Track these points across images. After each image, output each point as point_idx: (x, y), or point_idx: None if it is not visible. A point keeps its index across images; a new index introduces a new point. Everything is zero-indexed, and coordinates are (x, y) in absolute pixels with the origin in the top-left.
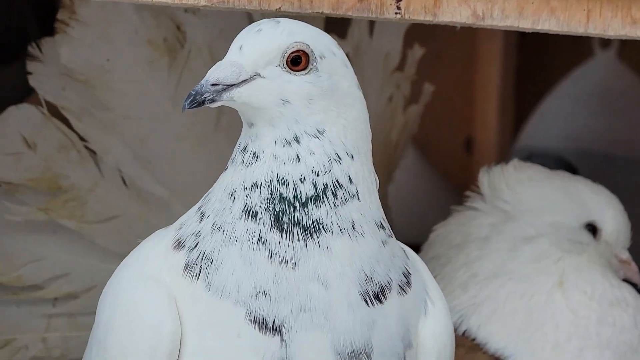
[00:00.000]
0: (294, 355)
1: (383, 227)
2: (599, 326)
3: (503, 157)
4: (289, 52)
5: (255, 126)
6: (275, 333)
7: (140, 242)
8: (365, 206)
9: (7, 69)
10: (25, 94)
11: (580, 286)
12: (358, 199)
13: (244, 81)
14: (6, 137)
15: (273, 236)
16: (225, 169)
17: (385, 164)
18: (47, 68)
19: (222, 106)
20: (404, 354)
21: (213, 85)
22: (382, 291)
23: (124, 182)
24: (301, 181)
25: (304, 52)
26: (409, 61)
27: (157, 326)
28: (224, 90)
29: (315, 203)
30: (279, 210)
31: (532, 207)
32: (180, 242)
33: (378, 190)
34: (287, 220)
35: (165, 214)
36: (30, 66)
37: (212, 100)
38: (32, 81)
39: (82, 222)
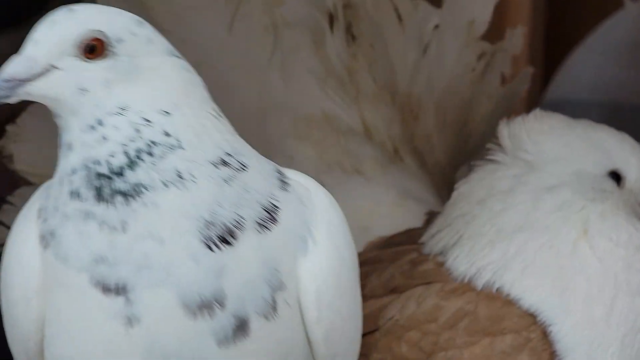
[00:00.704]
0: (140, 313)
1: (226, 164)
2: (628, 273)
3: (532, 108)
4: (83, 40)
5: (61, 117)
6: (118, 294)
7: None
8: (194, 151)
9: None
10: None
11: (605, 233)
12: (182, 147)
13: (39, 75)
14: None
15: (97, 208)
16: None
17: (458, 133)
18: None
19: (279, 41)
20: (272, 296)
21: (7, 81)
22: (231, 232)
23: None
24: (112, 156)
25: (98, 39)
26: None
27: (26, 282)
28: (18, 85)
29: (131, 168)
30: (99, 186)
31: (554, 156)
32: (39, 211)
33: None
34: (108, 192)
35: None
36: None
37: (6, 97)
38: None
39: None
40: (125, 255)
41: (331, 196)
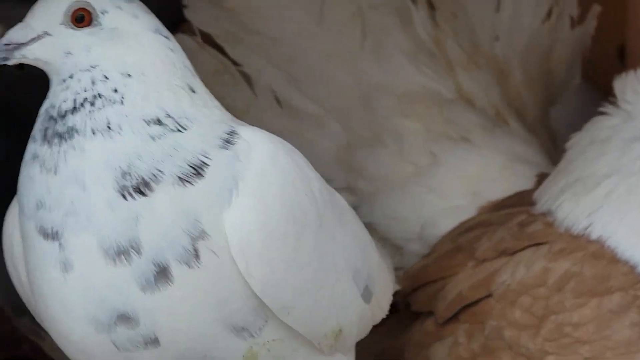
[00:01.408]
0: (70, 257)
1: (160, 123)
2: None
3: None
4: (72, 10)
5: (50, 79)
6: (54, 239)
7: None
8: (131, 108)
9: None
10: (179, 20)
11: None
12: (122, 103)
13: (33, 39)
14: None
15: (41, 149)
16: None
17: (543, 84)
18: (200, 0)
19: (369, 24)
20: (192, 245)
21: (6, 45)
22: (146, 184)
23: (278, 102)
24: (64, 101)
25: (85, 9)
26: None
27: (10, 250)
28: (15, 49)
29: (72, 113)
30: (46, 127)
31: None
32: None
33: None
34: (50, 133)
35: (319, 130)
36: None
37: (5, 59)
38: (187, 13)
39: None
40: (58, 200)
41: (279, 149)
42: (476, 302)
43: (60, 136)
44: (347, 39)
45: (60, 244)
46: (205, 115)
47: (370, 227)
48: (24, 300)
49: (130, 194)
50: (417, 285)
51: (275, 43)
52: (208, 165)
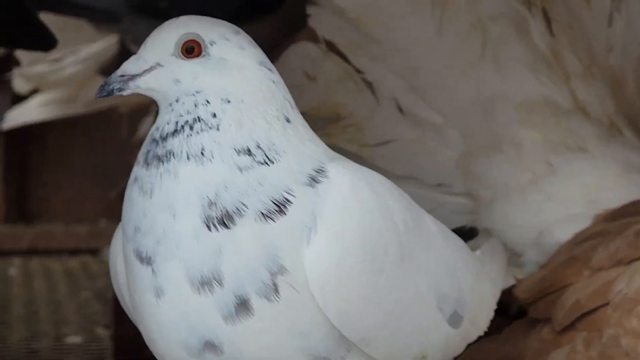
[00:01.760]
0: (162, 283)
1: (250, 154)
2: None
3: None
4: (182, 42)
5: (160, 105)
6: (148, 264)
7: None
8: (225, 135)
9: (263, 23)
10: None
11: None
12: (217, 129)
13: (146, 71)
14: (290, 72)
15: (142, 171)
16: None
17: None
18: (323, 10)
19: (488, 35)
20: (272, 280)
21: (121, 76)
22: (230, 217)
23: (400, 110)
24: (167, 123)
25: (195, 41)
26: None
27: (115, 278)
28: (129, 80)
29: (172, 136)
30: (149, 150)
31: None
32: None
33: None
34: (151, 155)
35: (440, 137)
36: (310, 9)
37: (120, 89)
38: (312, 22)
39: (361, 145)
40: (152, 225)
41: (359, 184)
42: (593, 311)
43: (159, 159)
44: (466, 49)
45: (153, 270)
46: (296, 148)
47: (488, 233)
48: (132, 319)
49: (215, 226)
50: (536, 296)
51: (397, 52)
52: (291, 202)
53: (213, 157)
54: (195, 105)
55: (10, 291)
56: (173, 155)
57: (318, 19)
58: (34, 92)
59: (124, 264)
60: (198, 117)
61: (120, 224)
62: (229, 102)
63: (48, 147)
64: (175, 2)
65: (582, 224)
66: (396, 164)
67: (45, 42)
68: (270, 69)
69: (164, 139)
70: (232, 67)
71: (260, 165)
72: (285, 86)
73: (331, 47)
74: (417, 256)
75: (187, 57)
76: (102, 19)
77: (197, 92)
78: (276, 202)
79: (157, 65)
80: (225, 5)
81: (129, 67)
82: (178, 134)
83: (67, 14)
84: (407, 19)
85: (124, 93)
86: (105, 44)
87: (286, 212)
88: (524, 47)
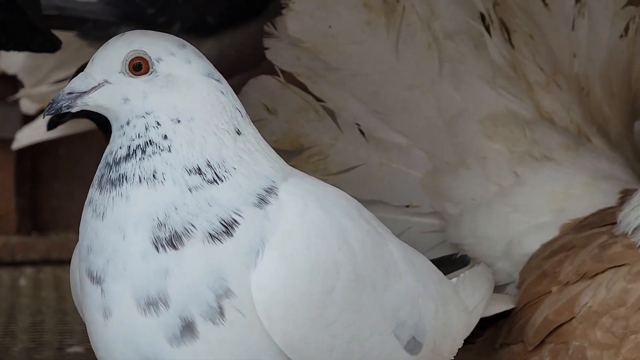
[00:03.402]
0: (110, 303)
1: (200, 173)
2: None
3: None
4: (129, 59)
5: (111, 124)
6: (97, 283)
7: None
8: (177, 156)
9: (247, 28)
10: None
11: None
12: (169, 151)
13: (93, 88)
14: (250, 106)
15: (96, 194)
16: None
17: (625, 98)
18: (280, 42)
19: (445, 53)
20: (217, 302)
21: (69, 94)
22: (178, 238)
23: (363, 134)
24: (120, 147)
25: (142, 58)
26: None
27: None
28: (77, 97)
29: (125, 160)
30: (102, 174)
31: None
32: None
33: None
34: (105, 179)
35: (405, 158)
36: (267, 42)
37: (68, 107)
38: (269, 55)
39: (326, 174)
40: (103, 246)
41: (310, 205)
42: (561, 325)
43: (112, 183)
44: (425, 69)
45: (102, 289)
46: (246, 164)
47: (458, 248)
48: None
49: (163, 246)
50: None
51: (355, 78)
52: (239, 224)
53: (165, 179)
54: (146, 128)
55: (18, 301)
56: (125, 179)
57: (275, 51)
58: (41, 111)
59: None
60: (149, 141)
61: (79, 243)
62: (179, 121)
63: (60, 158)
64: (163, 9)
65: (550, 233)
66: (362, 189)
67: (50, 44)
68: (218, 80)
69: (117, 163)
70: (180, 83)
71: (209, 184)
72: (235, 95)
73: (290, 78)
74: (374, 279)
75: (134, 75)
76: (92, 31)
77: (147, 113)
78: (224, 223)
79: (105, 83)
80: (212, 10)
81: (77, 84)
82: (130, 158)
83: (57, 27)
84: (363, 44)
85: (72, 110)
86: None
87: (233, 234)
88: (482, 62)
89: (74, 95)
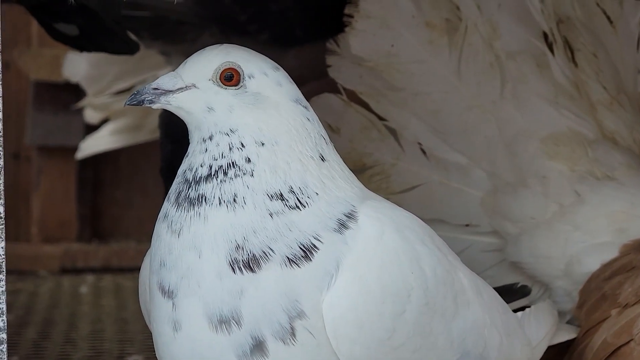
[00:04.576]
0: (180, 318)
1: (282, 199)
2: None
3: None
4: (222, 69)
5: (190, 131)
6: (169, 297)
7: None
8: (259, 181)
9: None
10: (320, 75)
11: None
12: (252, 175)
13: (180, 89)
14: None
15: (172, 210)
16: None
17: None
18: (343, 59)
19: (507, 72)
20: (289, 323)
21: (154, 89)
22: (256, 261)
23: (424, 154)
24: (201, 166)
25: (235, 70)
26: None
27: (143, 295)
28: (162, 94)
29: (206, 181)
30: (180, 190)
31: None
32: None
33: None
34: (183, 196)
35: (465, 178)
36: (329, 60)
37: (151, 102)
38: (332, 72)
39: (388, 194)
40: (177, 262)
41: (387, 228)
42: (619, 347)
43: (191, 201)
44: (486, 89)
45: (173, 304)
46: (328, 190)
47: (517, 266)
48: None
49: (240, 268)
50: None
51: (417, 97)
52: (318, 249)
53: (245, 203)
54: (230, 149)
55: (79, 309)
56: (205, 199)
57: (338, 69)
58: (105, 121)
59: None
60: (232, 163)
61: (149, 252)
62: (263, 144)
63: (120, 167)
64: (255, 16)
65: (610, 253)
66: (423, 208)
67: (127, 46)
68: (305, 107)
69: (197, 182)
70: (268, 104)
71: (291, 210)
72: (320, 122)
73: (352, 96)
74: (443, 305)
75: (224, 85)
76: (164, 35)
77: (231, 131)
78: (303, 248)
79: (192, 86)
80: (301, 23)
81: (164, 81)
82: (211, 178)
83: (132, 29)
84: (425, 63)
85: (154, 106)
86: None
87: (312, 259)
88: (544, 81)
89: (159, 91)
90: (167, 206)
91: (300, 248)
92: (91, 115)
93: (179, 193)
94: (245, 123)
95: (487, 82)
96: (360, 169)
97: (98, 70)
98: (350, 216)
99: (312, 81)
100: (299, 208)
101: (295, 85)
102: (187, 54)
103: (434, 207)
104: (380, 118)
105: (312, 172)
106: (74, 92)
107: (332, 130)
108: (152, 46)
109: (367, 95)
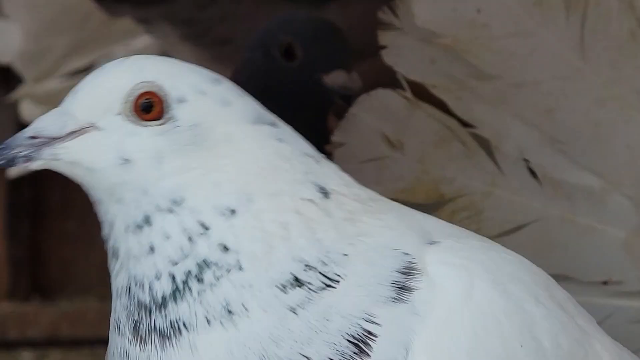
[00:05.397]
0: None
1: (300, 284)
2: None
3: None
4: (135, 95)
5: (102, 203)
6: None
7: None
8: (255, 271)
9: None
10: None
11: None
12: (240, 268)
13: (72, 133)
14: (361, 138)
15: (133, 349)
16: None
17: None
18: (404, 36)
19: None
20: None
21: (31, 137)
22: None
23: (533, 175)
24: (157, 278)
25: (155, 94)
26: None
27: None
28: (44, 144)
29: (175, 299)
30: (137, 320)
31: None
32: None
33: None
34: (145, 329)
35: (599, 210)
36: (383, 37)
37: (28, 159)
38: (388, 57)
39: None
40: None
41: (478, 282)
42: None
43: (162, 335)
44: (626, 72)
45: None
46: (358, 242)
47: None
48: None
49: None
50: None
51: (520, 89)
52: (376, 336)
53: (247, 309)
54: (190, 239)
55: None
56: (184, 326)
57: (397, 52)
58: None
59: None
60: (204, 261)
61: None
62: (233, 212)
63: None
64: None
65: None
66: (536, 257)
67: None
68: (271, 124)
69: (160, 305)
70: (216, 139)
71: (319, 292)
72: (297, 134)
73: (420, 91)
74: None
75: (142, 120)
76: None
77: (175, 202)
78: (354, 341)
79: (91, 128)
80: None
81: (44, 124)
82: (183, 295)
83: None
84: (532, 36)
85: (33, 166)
86: (143, 43)
87: (370, 353)
88: None
89: (39, 140)
90: (122, 343)
91: (350, 341)
92: (30, 111)
93: (136, 323)
94: (191, 181)
95: (627, 62)
96: (437, 202)
97: (39, 44)
98: (409, 271)
99: (367, 57)
100: (331, 286)
101: (249, 96)
102: (172, 18)
103: (552, 255)
104: (465, 124)
105: (321, 224)
106: (5, 78)
107: (392, 145)
108: (119, 12)
109: (443, 90)
